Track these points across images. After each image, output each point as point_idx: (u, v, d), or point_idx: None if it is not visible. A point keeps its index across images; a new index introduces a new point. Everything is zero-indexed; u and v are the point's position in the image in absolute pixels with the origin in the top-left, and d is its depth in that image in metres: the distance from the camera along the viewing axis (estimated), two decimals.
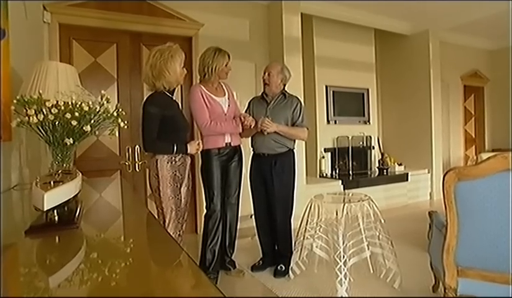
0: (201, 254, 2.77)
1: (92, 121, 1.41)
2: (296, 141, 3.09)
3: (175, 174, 2.22)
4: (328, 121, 5.50)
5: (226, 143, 2.76)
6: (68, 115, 1.29)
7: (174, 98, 2.29)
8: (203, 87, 2.71)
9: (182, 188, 2.29)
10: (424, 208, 4.66)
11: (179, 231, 2.23)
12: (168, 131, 2.18)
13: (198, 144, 2.36)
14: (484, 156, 2.91)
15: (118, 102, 3.66)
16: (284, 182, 2.96)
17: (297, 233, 2.81)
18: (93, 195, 1.91)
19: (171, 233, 2.15)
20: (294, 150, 3.07)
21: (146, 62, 2.19)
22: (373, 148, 5.94)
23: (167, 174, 2.19)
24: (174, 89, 2.27)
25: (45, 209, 0.98)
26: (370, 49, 6.00)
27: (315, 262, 2.83)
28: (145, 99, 2.25)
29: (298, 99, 3.10)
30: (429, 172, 5.94)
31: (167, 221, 2.18)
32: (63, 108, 1.30)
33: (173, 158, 2.21)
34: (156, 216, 2.19)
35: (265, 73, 3.02)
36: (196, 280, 0.76)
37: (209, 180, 2.73)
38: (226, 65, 2.76)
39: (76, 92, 1.47)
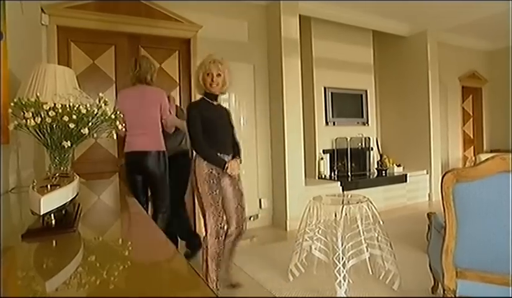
0: None
1: (90, 123, 1.40)
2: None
3: (211, 172, 2.42)
4: (326, 123, 5.50)
5: None
6: (66, 118, 1.28)
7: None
8: None
9: (221, 183, 2.50)
10: (423, 209, 4.67)
11: (220, 223, 2.42)
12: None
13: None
14: (483, 157, 2.92)
15: None
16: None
17: (297, 234, 2.81)
18: (91, 197, 1.90)
19: (212, 227, 2.41)
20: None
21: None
22: (372, 149, 5.94)
23: (203, 172, 2.42)
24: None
25: (42, 213, 0.98)
26: (368, 50, 6.01)
27: (314, 264, 2.82)
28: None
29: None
30: (427, 173, 5.95)
31: (207, 215, 2.42)
32: (60, 111, 1.29)
33: None
34: (200, 211, 2.49)
35: None
36: (193, 282, 0.75)
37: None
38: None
39: (74, 95, 1.47)
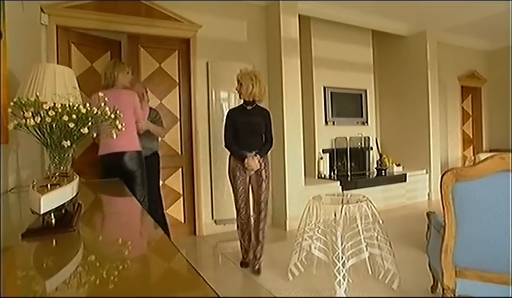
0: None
1: (90, 123, 1.40)
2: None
3: (236, 165, 3.02)
4: (326, 123, 5.50)
5: None
6: (66, 118, 1.28)
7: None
8: None
9: (248, 174, 3.07)
10: (422, 208, 4.67)
11: (239, 204, 3.07)
12: None
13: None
14: (482, 156, 2.92)
15: None
16: None
17: (296, 234, 2.81)
18: (91, 197, 1.90)
19: (235, 206, 3.08)
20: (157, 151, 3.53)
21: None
22: (371, 148, 5.95)
23: (230, 166, 3.08)
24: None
25: (42, 212, 0.98)
26: (367, 50, 6.01)
27: (314, 263, 2.83)
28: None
29: None
30: (427, 173, 5.95)
31: (234, 197, 3.07)
32: (60, 110, 1.29)
33: None
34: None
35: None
36: (194, 281, 0.75)
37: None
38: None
39: (74, 95, 1.47)
